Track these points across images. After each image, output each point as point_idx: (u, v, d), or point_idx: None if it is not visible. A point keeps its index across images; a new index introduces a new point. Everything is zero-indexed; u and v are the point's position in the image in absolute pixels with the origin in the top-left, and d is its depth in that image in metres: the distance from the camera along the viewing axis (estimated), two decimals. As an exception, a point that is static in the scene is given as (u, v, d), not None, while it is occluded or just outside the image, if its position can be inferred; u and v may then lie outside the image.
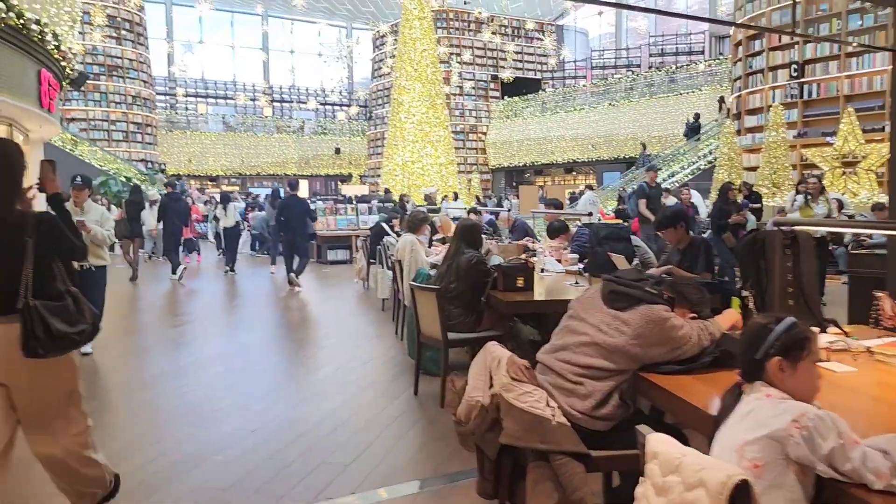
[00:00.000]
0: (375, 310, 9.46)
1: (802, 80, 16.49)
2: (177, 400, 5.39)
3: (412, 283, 5.19)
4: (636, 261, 5.68)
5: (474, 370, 2.79)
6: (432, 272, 5.84)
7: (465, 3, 37.01)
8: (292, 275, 11.47)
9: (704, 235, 9.20)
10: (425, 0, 25.50)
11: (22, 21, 6.91)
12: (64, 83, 10.08)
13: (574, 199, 25.86)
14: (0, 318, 2.66)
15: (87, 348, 6.41)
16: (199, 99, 41.43)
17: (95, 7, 25.67)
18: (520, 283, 4.72)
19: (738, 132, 17.72)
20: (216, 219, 17.84)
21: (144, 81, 31.98)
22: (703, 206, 14.04)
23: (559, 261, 6.28)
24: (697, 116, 24.37)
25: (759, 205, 12.68)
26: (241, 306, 10.64)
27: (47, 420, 2.84)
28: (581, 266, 5.79)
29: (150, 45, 33.75)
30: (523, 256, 5.77)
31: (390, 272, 8.71)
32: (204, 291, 12.07)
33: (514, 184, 37.15)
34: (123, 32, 30.85)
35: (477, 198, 26.64)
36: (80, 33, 28.97)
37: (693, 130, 22.72)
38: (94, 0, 27.70)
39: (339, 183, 39.98)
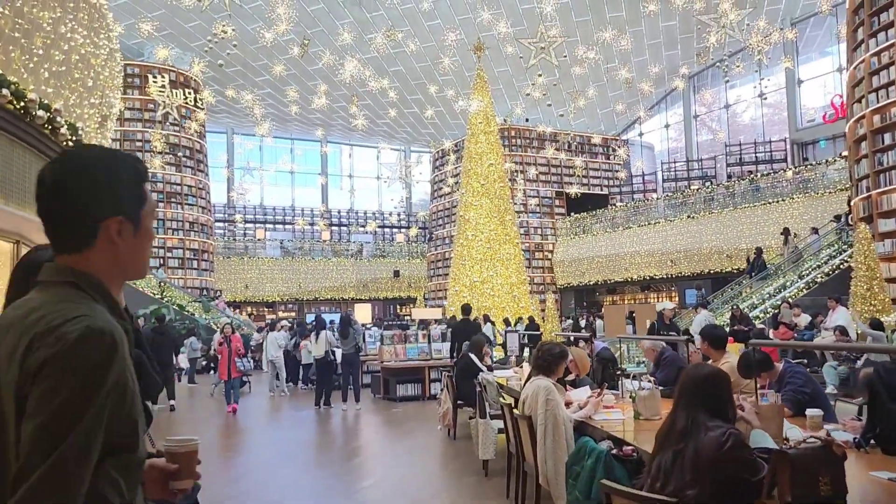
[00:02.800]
0: (474, 473, 7.08)
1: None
2: None
3: (607, 483, 2.93)
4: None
5: None
6: (604, 444, 3.59)
7: (525, 120, 36.18)
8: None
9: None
10: (491, 114, 24.36)
11: (23, 104, 5.30)
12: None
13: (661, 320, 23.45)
14: None
15: None
16: (257, 225, 40.94)
17: (155, 134, 25.23)
18: (824, 487, 2.47)
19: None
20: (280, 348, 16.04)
21: (203, 208, 31.33)
22: (852, 327, 11.48)
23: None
24: (786, 231, 22.10)
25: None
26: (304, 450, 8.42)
27: None
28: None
29: (211, 172, 33.44)
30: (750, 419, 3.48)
31: (496, 423, 6.50)
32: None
33: (585, 303, 34.85)
34: (184, 159, 30.49)
35: (573, 319, 24.42)
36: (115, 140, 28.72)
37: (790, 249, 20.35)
38: (151, 127, 27.38)
39: (398, 307, 38.22)
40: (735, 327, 14.08)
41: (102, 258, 1.41)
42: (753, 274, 20.80)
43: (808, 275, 17.79)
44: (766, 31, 21.82)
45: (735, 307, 15.37)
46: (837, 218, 19.72)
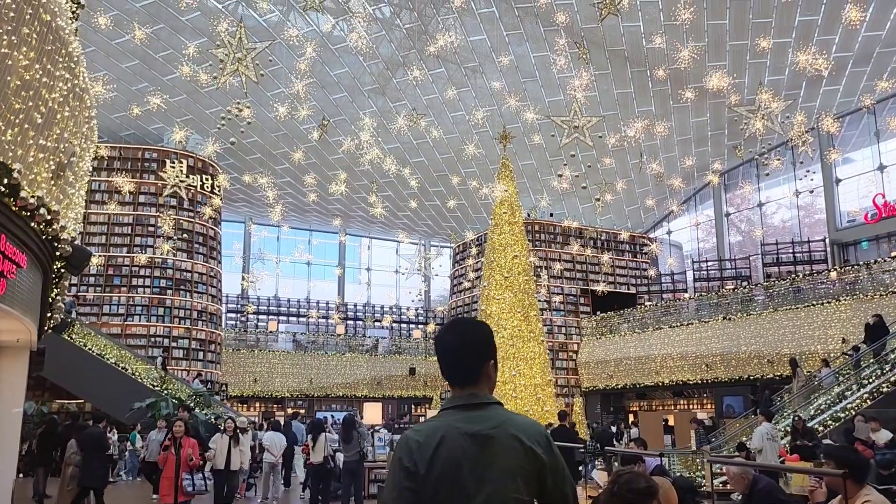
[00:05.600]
0: None
1: None
2: None
3: None
4: None
5: None
6: None
7: (550, 215, 35.14)
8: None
9: None
10: (516, 203, 23.20)
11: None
12: (56, 265, 7.13)
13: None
14: None
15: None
16: (270, 317, 39.59)
17: (165, 218, 24.31)
18: None
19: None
20: (261, 449, 14.34)
21: (213, 296, 30.09)
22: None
23: None
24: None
25: None
26: None
27: None
28: None
29: (224, 261, 32.42)
30: None
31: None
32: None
33: (611, 409, 32.68)
34: (196, 246, 29.50)
35: (600, 426, 22.43)
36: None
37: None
38: (166, 212, 26.52)
39: (413, 406, 36.17)
40: (798, 442, 12.19)
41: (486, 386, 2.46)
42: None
43: (870, 382, 15.89)
44: (805, 125, 20.79)
45: (797, 418, 13.46)
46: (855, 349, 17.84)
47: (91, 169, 7.88)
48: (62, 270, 7.17)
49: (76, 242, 7.15)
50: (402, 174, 27.03)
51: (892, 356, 16.09)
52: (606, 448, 10.51)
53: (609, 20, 19.14)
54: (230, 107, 17.21)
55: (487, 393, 2.43)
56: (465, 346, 2.48)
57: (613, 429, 23.06)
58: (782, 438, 13.95)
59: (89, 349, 22.70)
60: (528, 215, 32.08)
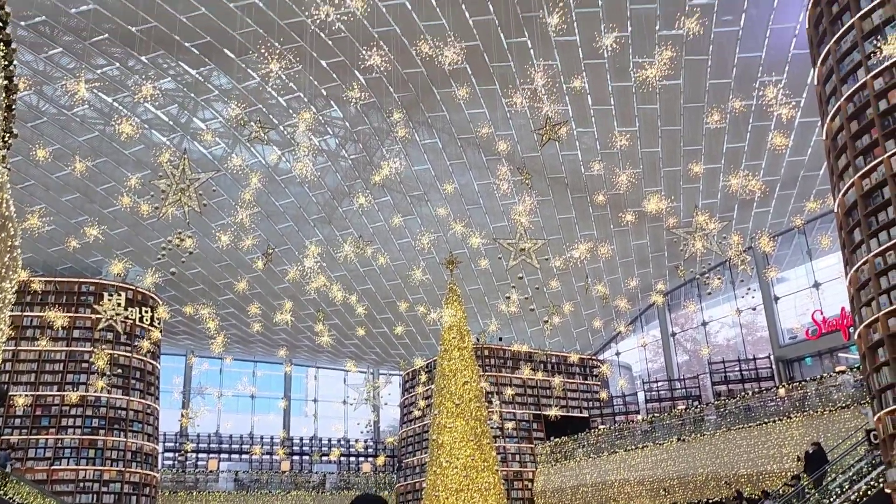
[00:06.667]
0: None
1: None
2: None
3: None
4: None
5: None
6: None
7: (499, 339, 34.95)
8: None
9: None
10: (465, 329, 22.99)
11: None
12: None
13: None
14: None
15: None
16: (210, 455, 37.63)
17: (99, 354, 23.31)
18: None
19: (890, 464, 13.47)
20: None
21: (149, 435, 28.52)
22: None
23: None
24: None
25: None
26: None
27: None
28: None
29: (162, 396, 31.02)
30: None
31: None
32: None
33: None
34: (133, 381, 28.20)
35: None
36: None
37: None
38: (101, 347, 25.46)
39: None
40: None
41: None
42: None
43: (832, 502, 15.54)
44: (743, 245, 21.47)
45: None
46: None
47: (15, 301, 7.39)
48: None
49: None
50: (349, 302, 26.73)
51: (834, 486, 15.91)
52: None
53: (548, 148, 19.88)
54: (171, 237, 16.91)
55: None
56: None
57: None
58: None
59: (10, 498, 20.96)
60: (478, 340, 31.79)
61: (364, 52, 17.36)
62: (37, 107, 22.71)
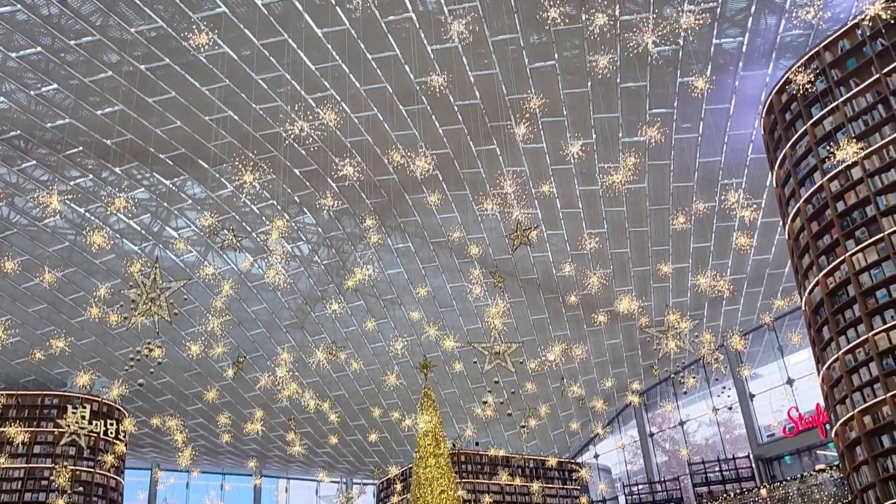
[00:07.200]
0: None
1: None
2: None
3: None
4: None
5: None
6: None
7: (476, 444, 34.26)
8: None
9: None
10: (441, 435, 22.49)
11: None
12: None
13: None
14: None
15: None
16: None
17: (60, 470, 22.38)
18: None
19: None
20: None
21: (110, 558, 27.00)
22: None
23: None
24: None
25: None
26: None
27: None
28: None
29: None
30: None
31: None
32: None
33: None
34: (95, 499, 26.92)
35: None
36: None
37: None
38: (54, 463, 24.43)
39: None
40: None
41: None
42: None
43: None
44: (715, 343, 21.60)
45: None
46: None
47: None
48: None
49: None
50: (321, 409, 26.18)
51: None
52: None
53: (520, 250, 20.09)
54: (140, 347, 16.61)
55: None
56: None
57: None
58: None
59: None
60: (454, 445, 31.12)
61: (337, 161, 17.71)
62: (7, 218, 22.63)
